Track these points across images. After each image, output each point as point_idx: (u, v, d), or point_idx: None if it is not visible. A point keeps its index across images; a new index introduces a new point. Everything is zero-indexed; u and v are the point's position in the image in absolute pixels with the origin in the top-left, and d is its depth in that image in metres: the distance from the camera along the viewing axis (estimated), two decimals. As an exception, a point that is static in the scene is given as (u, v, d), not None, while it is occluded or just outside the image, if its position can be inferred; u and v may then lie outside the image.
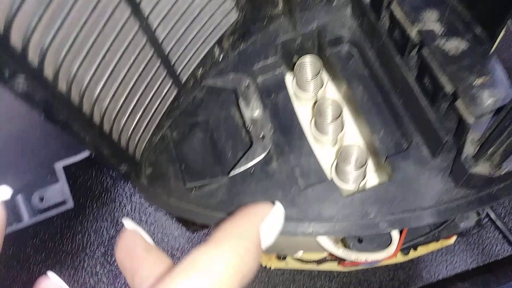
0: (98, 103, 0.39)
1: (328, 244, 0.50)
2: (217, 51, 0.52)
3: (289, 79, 0.57)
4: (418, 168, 0.47)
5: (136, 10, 0.37)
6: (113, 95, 0.40)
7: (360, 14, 0.51)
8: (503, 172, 0.40)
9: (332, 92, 0.57)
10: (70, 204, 0.78)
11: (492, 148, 0.37)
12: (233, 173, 0.46)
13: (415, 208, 0.46)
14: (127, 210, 0.89)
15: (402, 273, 0.87)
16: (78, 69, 0.34)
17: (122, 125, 0.43)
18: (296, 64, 0.53)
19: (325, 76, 0.57)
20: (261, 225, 0.33)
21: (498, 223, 0.84)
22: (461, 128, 0.43)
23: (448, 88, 0.42)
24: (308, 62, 0.53)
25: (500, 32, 0.48)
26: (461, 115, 0.42)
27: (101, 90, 0.38)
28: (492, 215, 0.83)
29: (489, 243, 0.89)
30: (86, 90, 0.36)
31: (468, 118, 0.41)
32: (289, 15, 0.53)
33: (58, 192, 0.79)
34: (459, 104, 0.42)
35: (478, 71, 0.42)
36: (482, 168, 0.40)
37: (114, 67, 0.38)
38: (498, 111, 0.41)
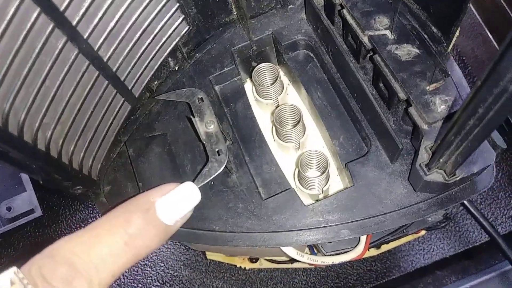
0: (42, 130, 0.38)
1: (292, 252, 0.49)
2: (171, 62, 0.51)
3: (248, 86, 0.56)
4: (378, 173, 0.47)
5: (72, 35, 0.36)
6: (58, 120, 0.39)
7: (315, 19, 0.50)
8: (458, 179, 0.40)
9: (294, 97, 0.57)
10: (38, 213, 0.79)
11: (443, 158, 0.37)
12: (189, 190, 0.45)
13: (376, 214, 0.45)
14: (100, 216, 0.88)
15: (380, 264, 0.87)
16: (13, 100, 0.33)
17: (72, 147, 0.42)
18: (254, 72, 0.52)
19: (285, 81, 0.57)
20: (157, 200, 0.36)
21: (473, 210, 0.84)
22: (417, 134, 0.43)
23: (401, 94, 0.42)
24: (265, 69, 0.52)
25: (455, 30, 0.48)
26: (415, 121, 0.42)
27: (43, 117, 0.37)
28: (467, 203, 0.84)
29: (466, 230, 0.89)
30: (26, 119, 0.35)
31: (421, 125, 0.41)
32: (242, 22, 0.52)
33: (26, 201, 0.79)
34: (412, 111, 0.41)
35: (432, 76, 0.42)
36: (436, 176, 0.40)
37: (55, 93, 0.37)
38: (449, 117, 0.40)
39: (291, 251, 0.49)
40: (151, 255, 0.85)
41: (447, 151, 0.35)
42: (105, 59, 0.41)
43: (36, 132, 0.37)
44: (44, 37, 0.34)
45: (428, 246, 0.89)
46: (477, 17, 0.88)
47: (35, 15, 0.32)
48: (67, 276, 0.30)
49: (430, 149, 0.40)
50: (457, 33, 0.49)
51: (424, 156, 0.41)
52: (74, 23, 0.36)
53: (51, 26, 0.34)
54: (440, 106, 0.41)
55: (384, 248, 0.76)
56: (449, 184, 0.41)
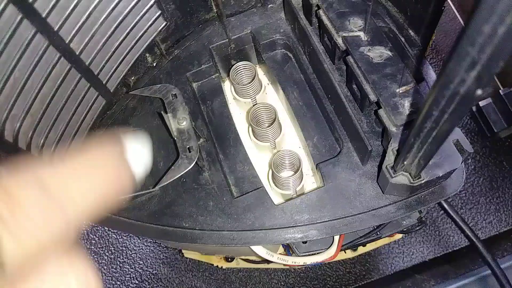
0: (10, 121, 0.38)
1: (262, 251, 0.50)
2: (149, 58, 0.51)
3: (227, 84, 0.56)
4: (349, 174, 0.47)
5: (42, 27, 0.36)
6: (27, 112, 0.39)
7: (293, 19, 0.51)
8: (423, 182, 0.40)
9: (272, 96, 0.57)
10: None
11: (407, 160, 0.37)
12: (159, 186, 0.45)
13: (345, 215, 0.46)
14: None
15: (359, 266, 0.87)
16: (-21, 90, 0.33)
17: (42, 140, 0.42)
18: (231, 70, 0.52)
19: (264, 80, 0.57)
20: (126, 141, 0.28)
21: (453, 214, 0.84)
22: (386, 136, 0.43)
23: (372, 96, 0.42)
24: (243, 68, 0.52)
25: (431, 34, 0.48)
26: (384, 123, 0.42)
27: (11, 109, 0.37)
28: (447, 206, 0.84)
29: (446, 234, 0.89)
30: (-7, 110, 0.35)
31: (390, 127, 0.41)
32: (220, 20, 0.52)
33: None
34: (381, 112, 0.42)
35: (403, 79, 0.42)
36: (402, 178, 0.40)
37: (24, 84, 0.37)
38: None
39: (261, 251, 0.49)
40: (130, 253, 0.85)
41: (409, 154, 0.35)
42: (77, 52, 0.41)
43: (4, 123, 0.37)
44: (12, 28, 0.34)
45: (408, 250, 0.89)
46: (461, 22, 0.89)
47: (2, 5, 0.32)
48: (39, 198, 0.24)
49: (397, 151, 0.40)
50: (433, 37, 0.49)
51: (391, 158, 0.41)
52: (43, 14, 0.36)
53: (19, 17, 0.34)
54: (409, 109, 0.41)
55: (361, 250, 0.76)
56: (415, 187, 0.41)
